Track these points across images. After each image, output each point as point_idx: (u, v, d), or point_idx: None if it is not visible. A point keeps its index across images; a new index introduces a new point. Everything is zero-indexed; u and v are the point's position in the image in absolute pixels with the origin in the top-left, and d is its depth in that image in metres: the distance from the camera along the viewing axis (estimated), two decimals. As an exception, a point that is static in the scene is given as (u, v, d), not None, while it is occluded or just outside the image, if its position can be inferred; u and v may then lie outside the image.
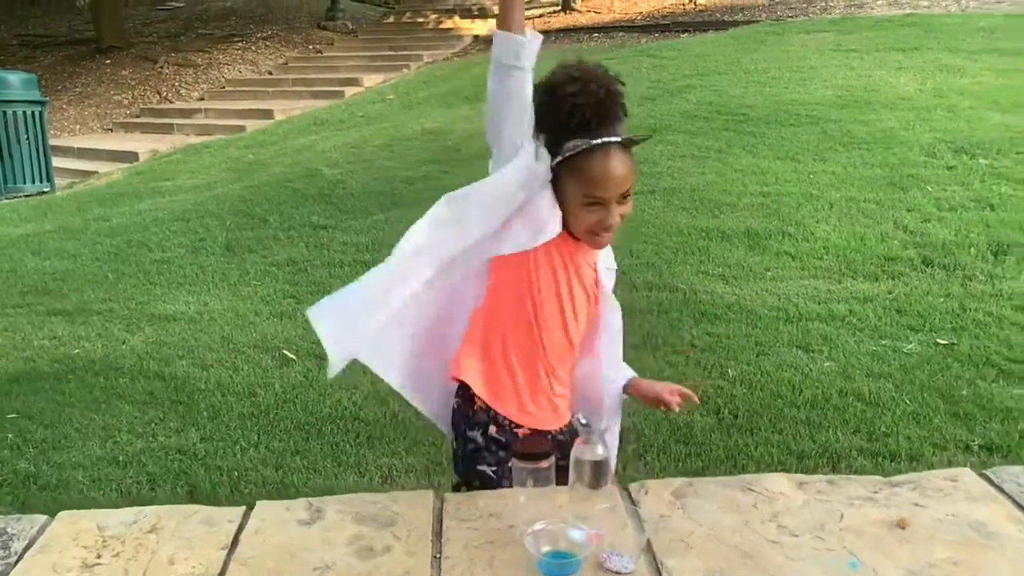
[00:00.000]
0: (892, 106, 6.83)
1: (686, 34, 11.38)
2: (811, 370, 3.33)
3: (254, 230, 5.56)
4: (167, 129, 10.76)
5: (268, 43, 14.21)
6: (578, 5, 14.66)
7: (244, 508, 1.58)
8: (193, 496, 2.78)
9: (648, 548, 1.38)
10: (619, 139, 1.50)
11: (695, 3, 13.62)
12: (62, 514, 1.57)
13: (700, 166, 5.91)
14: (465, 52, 13.09)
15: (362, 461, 2.92)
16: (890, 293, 3.98)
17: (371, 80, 11.70)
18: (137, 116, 11.68)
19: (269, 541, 1.46)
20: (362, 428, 3.14)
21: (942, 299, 3.86)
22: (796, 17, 11.32)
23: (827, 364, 3.37)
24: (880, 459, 2.72)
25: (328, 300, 1.53)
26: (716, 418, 3.05)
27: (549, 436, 1.53)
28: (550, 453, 1.39)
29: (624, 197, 1.53)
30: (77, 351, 3.98)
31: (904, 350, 3.43)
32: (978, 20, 9.87)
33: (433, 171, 6.62)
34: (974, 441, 2.79)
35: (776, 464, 2.73)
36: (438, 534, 1.47)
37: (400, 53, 13.00)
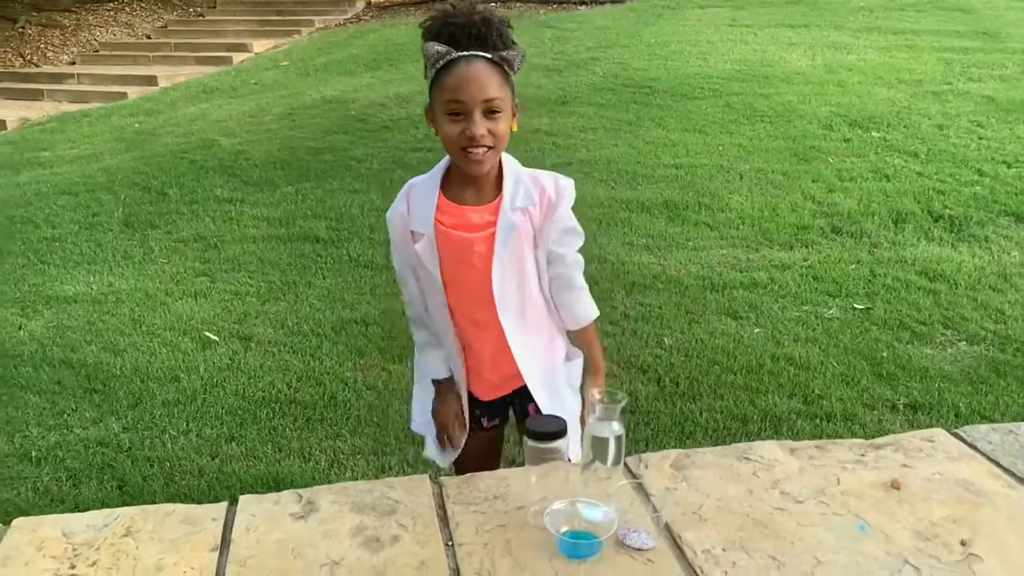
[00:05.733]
0: (788, 80, 7.10)
1: (584, 6, 11.41)
2: (742, 337, 3.43)
3: (153, 204, 5.22)
4: (36, 95, 9.92)
5: (143, 4, 13.29)
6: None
7: (226, 504, 1.47)
8: (123, 491, 2.60)
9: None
10: (485, 54, 1.48)
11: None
12: (18, 521, 1.42)
13: (613, 138, 5.96)
14: (359, 18, 12.66)
15: (305, 446, 2.79)
16: (805, 261, 4.14)
17: (261, 46, 11.16)
18: (-1, 81, 10.71)
19: (265, 539, 1.36)
20: (300, 411, 3.00)
21: (853, 266, 4.06)
22: (689, -9, 11.53)
23: (756, 331, 3.48)
24: (818, 421, 2.83)
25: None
26: (658, 386, 3.09)
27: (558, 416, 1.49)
28: (564, 432, 1.36)
29: (492, 112, 1.49)
30: (-35, 339, 3.63)
31: (826, 315, 3.59)
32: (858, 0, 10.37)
33: (340, 141, 6.40)
34: (900, 400, 2.95)
35: (723, 430, 2.80)
36: (444, 520, 1.41)
37: (289, 18, 12.43)
